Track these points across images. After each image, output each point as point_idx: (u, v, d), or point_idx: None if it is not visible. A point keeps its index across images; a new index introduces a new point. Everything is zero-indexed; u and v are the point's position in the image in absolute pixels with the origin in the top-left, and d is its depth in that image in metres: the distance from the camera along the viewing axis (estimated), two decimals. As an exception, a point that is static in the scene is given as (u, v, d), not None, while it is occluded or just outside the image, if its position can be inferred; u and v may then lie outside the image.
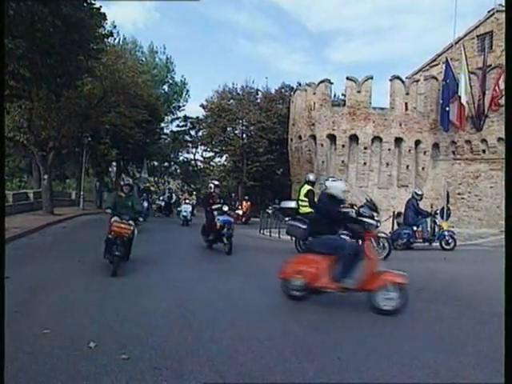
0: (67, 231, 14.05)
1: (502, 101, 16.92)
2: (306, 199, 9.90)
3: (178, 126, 41.41)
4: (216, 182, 11.58)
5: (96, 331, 4.12)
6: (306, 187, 10.19)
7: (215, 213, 10.28)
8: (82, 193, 25.83)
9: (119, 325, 4.40)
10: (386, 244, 9.49)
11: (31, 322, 4.32)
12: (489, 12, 19.95)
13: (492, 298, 6.44)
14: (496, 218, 16.68)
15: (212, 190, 10.98)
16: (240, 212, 22.33)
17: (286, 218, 9.87)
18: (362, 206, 6.24)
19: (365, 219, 5.76)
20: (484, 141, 17.91)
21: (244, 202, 24.21)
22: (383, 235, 9.67)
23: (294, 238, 10.48)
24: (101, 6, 15.24)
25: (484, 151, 18.02)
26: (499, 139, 17.38)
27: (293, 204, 10.46)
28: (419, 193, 11.98)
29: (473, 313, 5.47)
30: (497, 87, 17.02)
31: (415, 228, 11.57)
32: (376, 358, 3.78)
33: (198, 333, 4.24)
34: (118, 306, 5.10)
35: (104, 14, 15.58)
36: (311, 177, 10.74)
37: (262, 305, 5.58)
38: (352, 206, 8.08)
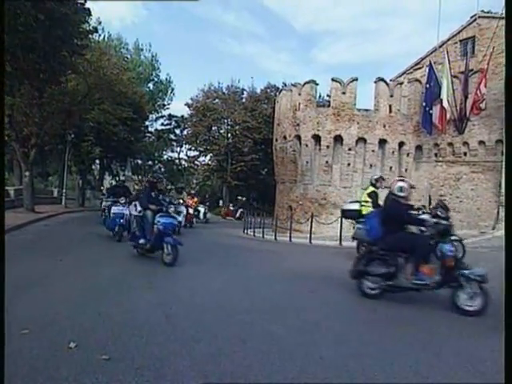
0: (49, 229, 13.87)
1: (483, 105, 17.21)
2: (370, 200, 9.43)
3: (162, 124, 41.26)
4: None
5: (77, 331, 4.07)
6: (370, 188, 9.73)
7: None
8: (64, 190, 25.55)
9: (101, 324, 4.35)
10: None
11: (9, 321, 4.25)
12: (471, 17, 20.22)
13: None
14: (476, 219, 16.96)
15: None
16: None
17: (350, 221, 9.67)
18: (435, 208, 6.35)
19: (442, 221, 5.84)
20: (466, 144, 18.15)
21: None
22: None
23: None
24: (85, 1, 15.09)
25: (465, 154, 18.26)
26: (480, 142, 17.67)
27: (356, 206, 9.77)
28: None
29: (452, 313, 5.52)
30: (478, 91, 17.24)
31: None
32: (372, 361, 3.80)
33: (181, 332, 4.22)
34: (101, 305, 5.05)
35: (88, 9, 15.43)
36: (375, 178, 10.18)
37: (247, 304, 5.58)
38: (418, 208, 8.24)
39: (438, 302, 5.71)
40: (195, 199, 21.99)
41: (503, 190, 15.48)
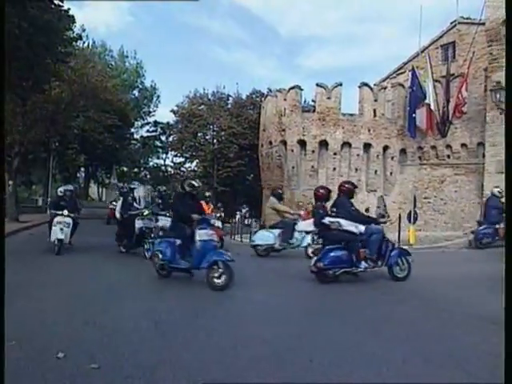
0: (34, 239, 13.70)
1: (465, 108, 17.50)
2: None
3: (148, 131, 41.14)
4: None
5: (64, 340, 4.04)
6: None
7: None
8: (49, 199, 25.29)
9: (89, 333, 4.33)
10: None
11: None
12: (451, 23, 20.59)
13: (456, 298, 6.69)
14: (460, 220, 17.21)
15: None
16: None
17: None
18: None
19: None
20: (449, 146, 18.43)
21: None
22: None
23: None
24: (69, 9, 15.06)
25: (449, 156, 18.55)
26: (462, 145, 17.98)
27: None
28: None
29: (438, 313, 5.61)
30: (460, 95, 17.52)
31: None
32: (344, 358, 3.85)
33: (171, 340, 4.22)
34: (89, 314, 5.02)
35: (73, 16, 15.40)
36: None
37: (230, 308, 5.61)
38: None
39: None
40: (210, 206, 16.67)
41: (486, 192, 15.76)
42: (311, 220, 8.32)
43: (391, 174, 19.84)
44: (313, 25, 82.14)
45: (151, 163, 43.30)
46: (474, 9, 45.02)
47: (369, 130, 19.32)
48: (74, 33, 17.37)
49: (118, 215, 11.11)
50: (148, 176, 42.73)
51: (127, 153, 34.84)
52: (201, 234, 6.98)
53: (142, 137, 40.46)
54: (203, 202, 10.84)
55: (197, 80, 78.70)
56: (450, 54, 20.24)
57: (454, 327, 5.00)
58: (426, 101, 17.93)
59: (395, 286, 7.17)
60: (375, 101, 19.41)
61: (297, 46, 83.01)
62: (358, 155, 19.40)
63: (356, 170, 19.45)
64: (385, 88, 20.00)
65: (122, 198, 11.34)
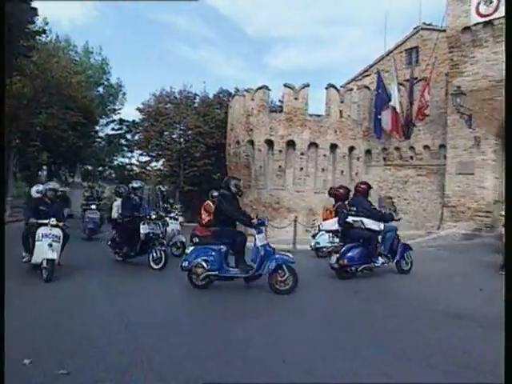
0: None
1: (428, 111, 18.03)
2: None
3: (113, 129, 40.39)
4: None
5: (31, 346, 3.93)
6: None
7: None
8: (9, 199, 24.50)
9: (57, 338, 4.24)
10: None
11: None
12: (414, 29, 21.17)
13: (420, 294, 6.93)
14: (423, 220, 17.73)
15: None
16: None
17: None
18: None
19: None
20: (412, 148, 18.97)
21: None
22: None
23: None
24: (31, 0, 14.67)
25: (412, 158, 19.08)
26: (425, 147, 18.52)
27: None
28: None
29: (405, 310, 5.77)
30: (422, 98, 18.02)
31: None
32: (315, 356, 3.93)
33: (141, 342, 4.18)
34: (55, 317, 4.89)
35: (35, 9, 15.02)
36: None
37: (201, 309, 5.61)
38: None
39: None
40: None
41: (447, 192, 16.32)
42: (334, 219, 8.52)
43: (357, 174, 20.23)
44: (280, 25, 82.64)
45: (116, 162, 42.55)
46: (435, 16, 46.45)
47: (335, 131, 19.66)
48: (36, 26, 16.90)
49: (116, 217, 9.71)
50: (113, 175, 41.98)
51: (91, 151, 34.12)
52: (260, 239, 6.92)
53: (107, 135, 39.67)
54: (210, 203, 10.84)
55: (163, 78, 77.63)
56: (414, 59, 20.80)
57: (421, 323, 5.19)
58: (391, 103, 18.38)
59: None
60: (341, 102, 19.77)
61: (264, 45, 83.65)
62: (324, 155, 19.70)
63: (323, 170, 19.75)
64: (351, 90, 20.39)
65: (121, 199, 10.17)
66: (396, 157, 19.62)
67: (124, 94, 41.00)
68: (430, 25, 20.73)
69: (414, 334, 4.74)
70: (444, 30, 17.72)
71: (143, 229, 8.84)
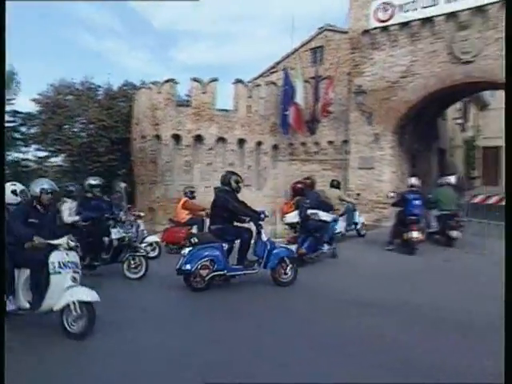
0: None
1: (332, 108, 18.71)
2: None
3: (6, 121, 37.30)
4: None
5: None
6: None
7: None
8: None
9: None
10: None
11: None
12: (319, 29, 21.94)
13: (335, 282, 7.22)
14: (327, 213, 18.36)
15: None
16: None
17: None
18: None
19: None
20: (317, 143, 19.60)
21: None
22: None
23: None
24: None
25: (317, 153, 19.71)
26: (329, 142, 19.24)
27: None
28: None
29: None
30: (327, 96, 18.69)
31: None
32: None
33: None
34: None
35: None
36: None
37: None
38: None
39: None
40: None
41: (350, 185, 17.06)
42: (294, 212, 8.98)
43: (264, 169, 20.48)
44: (188, 20, 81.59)
45: (10, 157, 39.32)
46: (339, 18, 48.85)
47: (243, 126, 19.72)
48: None
49: (70, 222, 7.76)
50: (7, 171, 38.73)
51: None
52: (266, 233, 7.21)
53: (-3, 127, 36.59)
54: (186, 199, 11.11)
55: (63, 68, 73.01)
56: (319, 57, 21.53)
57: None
58: (296, 99, 18.82)
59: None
60: (249, 97, 19.87)
61: (171, 39, 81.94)
62: (232, 150, 19.68)
63: (230, 165, 19.68)
64: (259, 85, 20.56)
65: (74, 200, 8.29)
66: (302, 152, 20.15)
67: (18, 83, 37.97)
68: (333, 26, 21.57)
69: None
70: (346, 32, 18.51)
71: (115, 233, 7.81)
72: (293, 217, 8.99)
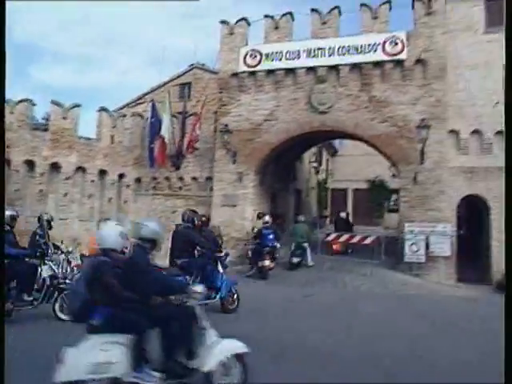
0: None
1: (198, 144, 18.93)
2: None
3: None
4: None
5: None
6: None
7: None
8: None
9: None
10: None
11: None
12: (189, 66, 22.39)
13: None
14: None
15: None
16: None
17: None
18: None
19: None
20: (181, 179, 19.50)
21: None
22: None
23: None
24: None
25: (180, 188, 19.60)
26: (194, 178, 19.27)
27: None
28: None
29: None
30: (193, 132, 18.85)
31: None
32: None
33: None
34: None
35: None
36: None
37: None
38: None
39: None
40: None
41: (213, 222, 17.22)
42: None
43: (125, 202, 19.74)
44: (52, 36, 76.71)
45: None
46: (208, 57, 50.27)
47: (105, 156, 18.90)
48: None
49: None
50: None
51: None
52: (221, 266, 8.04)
53: None
54: None
55: None
56: (187, 93, 21.82)
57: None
58: (162, 133, 18.68)
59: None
60: (113, 127, 19.21)
61: (30, 54, 75.75)
62: (92, 181, 18.69)
63: (89, 196, 18.68)
64: (124, 116, 20.01)
65: None
66: (165, 186, 19.87)
67: None
68: (203, 65, 22.15)
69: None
70: (215, 72, 19.14)
71: (46, 270, 7.27)
72: None
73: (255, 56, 17.25)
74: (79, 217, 18.32)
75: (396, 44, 15.69)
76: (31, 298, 7.18)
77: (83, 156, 18.31)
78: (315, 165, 27.76)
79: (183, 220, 8.38)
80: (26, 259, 7.51)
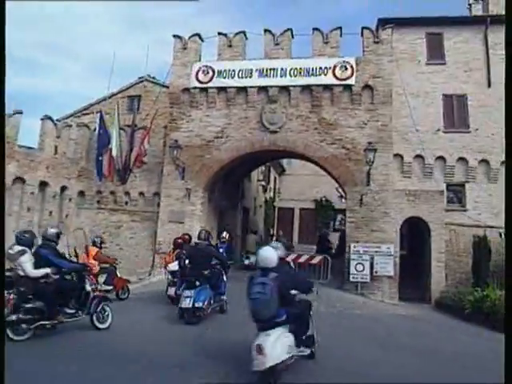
0: None
1: (146, 159, 18.51)
2: None
3: None
4: None
5: None
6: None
7: None
8: None
9: None
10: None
11: None
12: (139, 78, 22.00)
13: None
14: (135, 266, 17.55)
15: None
16: None
17: None
18: None
19: None
20: (127, 193, 18.89)
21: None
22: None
23: None
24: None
25: (126, 203, 18.98)
26: (140, 193, 18.74)
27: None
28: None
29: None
30: (142, 146, 18.39)
31: None
32: None
33: None
34: None
35: None
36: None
37: None
38: None
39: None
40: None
41: (159, 238, 16.92)
42: (175, 262, 10.75)
43: (67, 216, 18.88)
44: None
45: None
46: (160, 71, 49.56)
47: (47, 168, 18.00)
48: None
49: (38, 276, 7.11)
50: None
51: None
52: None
53: None
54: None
55: None
56: (136, 106, 21.37)
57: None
58: (110, 146, 18.14)
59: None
60: (58, 137, 18.43)
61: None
62: (32, 193, 17.72)
63: (29, 209, 17.69)
64: (70, 126, 19.28)
65: (36, 250, 7.55)
66: (111, 201, 19.20)
67: None
68: (154, 78, 21.86)
69: None
70: (166, 86, 18.93)
71: (89, 284, 7.86)
72: (174, 266, 10.79)
73: (208, 72, 17.27)
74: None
75: (346, 69, 16.23)
76: (73, 311, 7.50)
77: (23, 166, 17.35)
78: (263, 183, 27.97)
79: (199, 238, 9.95)
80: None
